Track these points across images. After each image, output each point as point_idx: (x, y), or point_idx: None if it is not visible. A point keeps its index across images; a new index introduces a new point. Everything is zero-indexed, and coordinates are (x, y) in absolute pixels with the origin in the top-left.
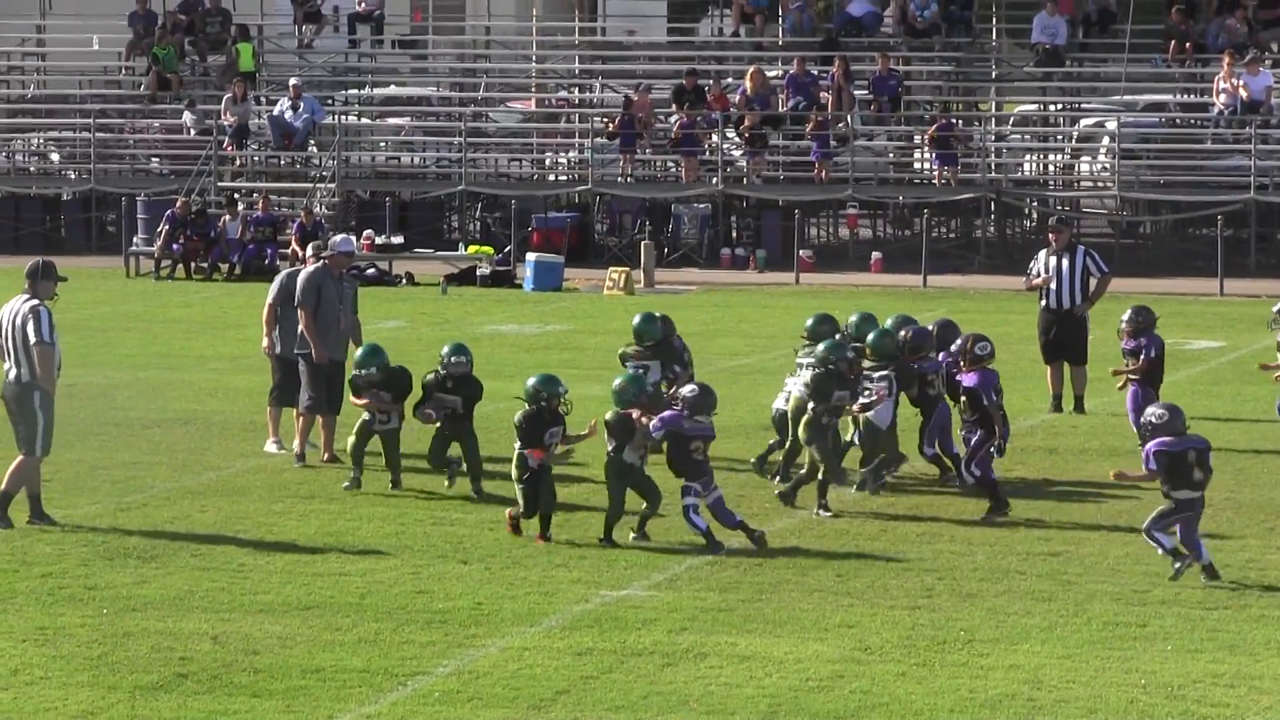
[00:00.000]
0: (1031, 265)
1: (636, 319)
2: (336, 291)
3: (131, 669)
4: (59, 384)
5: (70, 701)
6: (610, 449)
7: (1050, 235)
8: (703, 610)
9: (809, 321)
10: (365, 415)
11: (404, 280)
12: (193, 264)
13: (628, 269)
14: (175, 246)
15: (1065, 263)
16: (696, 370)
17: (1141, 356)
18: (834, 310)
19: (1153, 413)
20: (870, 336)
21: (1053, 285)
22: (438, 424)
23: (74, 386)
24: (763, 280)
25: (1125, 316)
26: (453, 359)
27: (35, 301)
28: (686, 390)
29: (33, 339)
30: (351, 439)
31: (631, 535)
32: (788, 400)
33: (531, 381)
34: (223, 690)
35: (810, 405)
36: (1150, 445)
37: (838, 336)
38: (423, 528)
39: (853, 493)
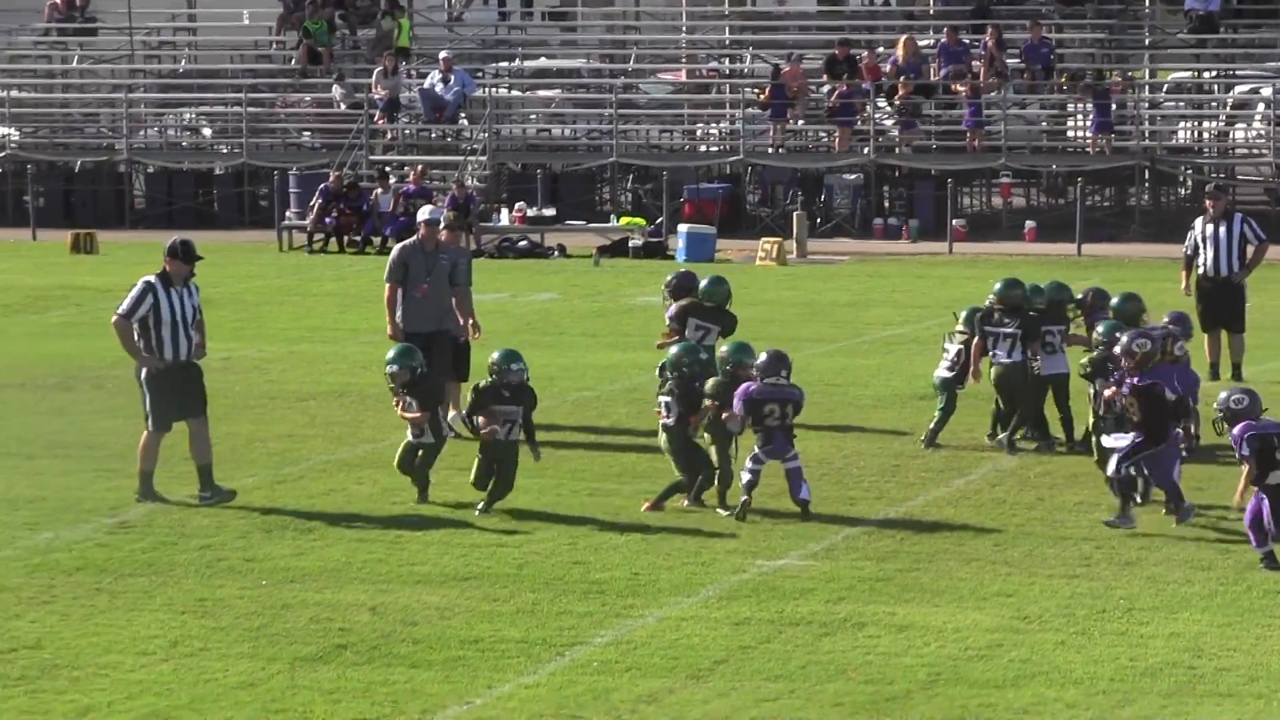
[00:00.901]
0: (1189, 234)
1: (705, 281)
2: (425, 266)
3: (290, 640)
4: (210, 356)
5: (230, 673)
6: (710, 416)
7: (1207, 202)
8: (860, 580)
9: (998, 286)
10: (408, 434)
11: (556, 252)
12: (345, 237)
13: (780, 239)
14: (328, 220)
15: (1222, 230)
16: (850, 341)
17: None
18: (990, 279)
19: (1232, 398)
20: (1115, 301)
21: (1209, 253)
22: (494, 436)
23: (229, 360)
24: (916, 250)
25: None
26: (512, 366)
27: (147, 277)
28: (760, 357)
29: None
30: (398, 455)
31: (685, 502)
32: (951, 368)
33: (674, 350)
34: (381, 661)
35: (1093, 387)
36: (1239, 429)
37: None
38: (578, 498)
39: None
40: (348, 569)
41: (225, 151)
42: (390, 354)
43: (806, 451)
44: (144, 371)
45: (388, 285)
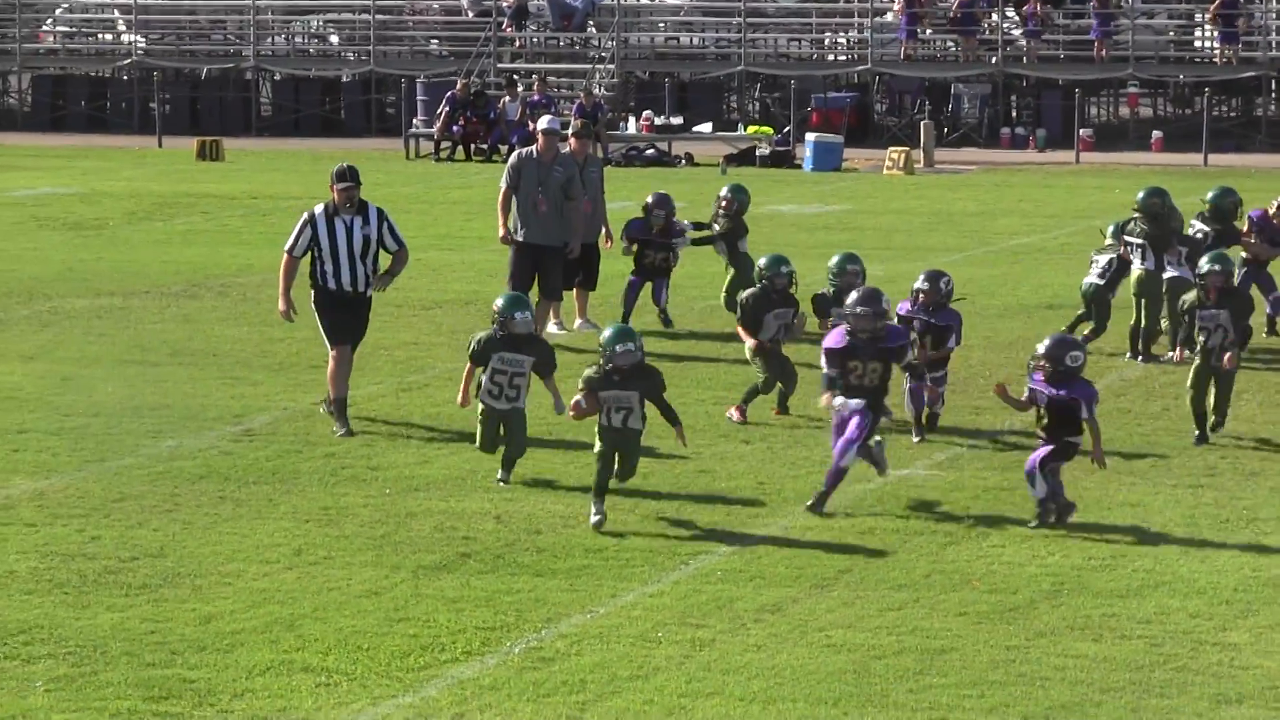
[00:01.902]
0: None
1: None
2: (538, 176)
3: (414, 548)
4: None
5: (354, 581)
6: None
7: None
8: (985, 489)
9: (1140, 194)
10: (482, 398)
11: (683, 161)
12: (472, 145)
13: (907, 149)
14: (455, 128)
15: None
16: (977, 251)
17: None
18: (1116, 189)
19: (1070, 354)
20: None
21: None
22: (601, 423)
23: None
24: (1042, 159)
25: None
26: (617, 348)
27: (313, 208)
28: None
29: None
30: (479, 433)
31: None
32: (1103, 275)
33: (760, 261)
34: (505, 569)
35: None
36: (1088, 395)
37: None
38: (704, 407)
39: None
40: (472, 477)
41: (352, 59)
42: (503, 303)
43: None
44: (312, 294)
45: (502, 188)
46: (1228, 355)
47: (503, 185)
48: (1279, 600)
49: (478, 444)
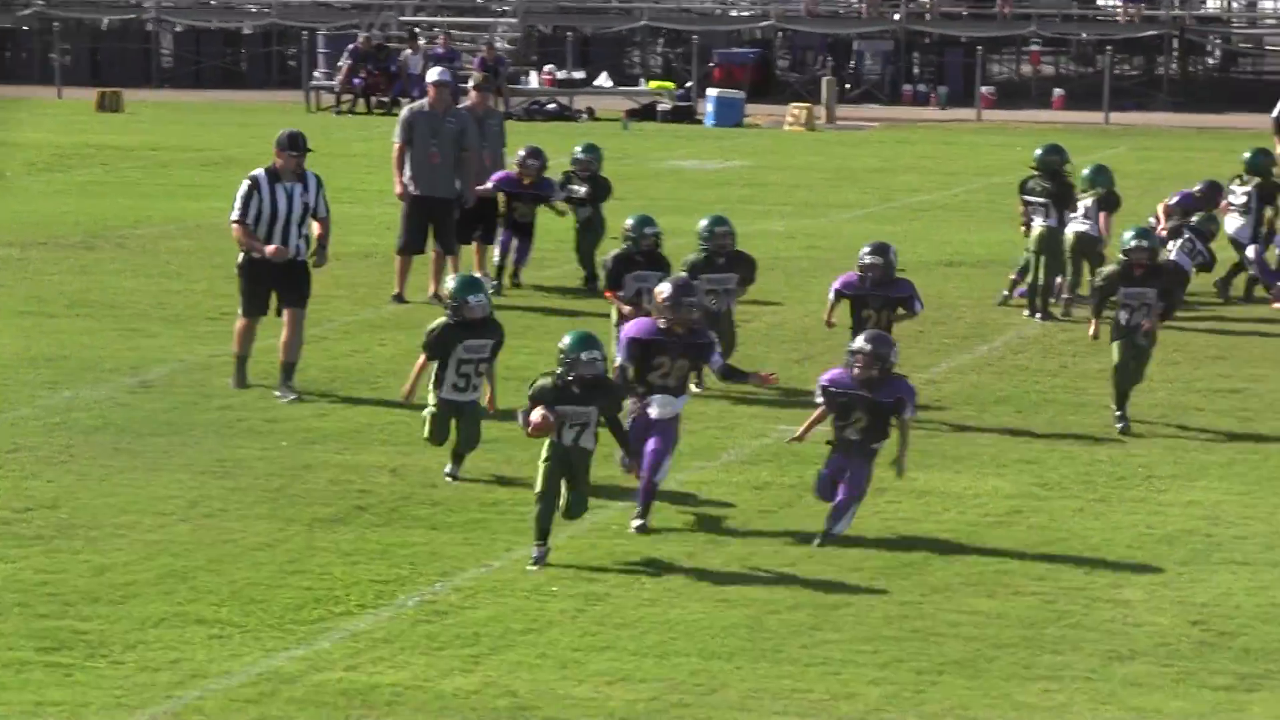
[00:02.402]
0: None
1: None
2: (431, 128)
3: (309, 501)
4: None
5: (248, 533)
6: None
7: None
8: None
9: (1038, 152)
10: (446, 394)
11: (585, 115)
12: (373, 98)
13: (809, 105)
14: (356, 81)
15: None
16: (877, 207)
17: None
18: (1017, 146)
19: (895, 350)
20: None
21: None
22: (551, 438)
23: None
24: (944, 117)
25: None
26: (582, 355)
27: (253, 172)
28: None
29: None
30: (426, 427)
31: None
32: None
33: (626, 221)
34: (401, 523)
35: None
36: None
37: None
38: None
39: None
40: (368, 430)
41: (254, 10)
42: (456, 286)
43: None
44: (240, 257)
45: (395, 144)
46: (1146, 324)
47: (396, 141)
48: (1173, 557)
49: (426, 436)
